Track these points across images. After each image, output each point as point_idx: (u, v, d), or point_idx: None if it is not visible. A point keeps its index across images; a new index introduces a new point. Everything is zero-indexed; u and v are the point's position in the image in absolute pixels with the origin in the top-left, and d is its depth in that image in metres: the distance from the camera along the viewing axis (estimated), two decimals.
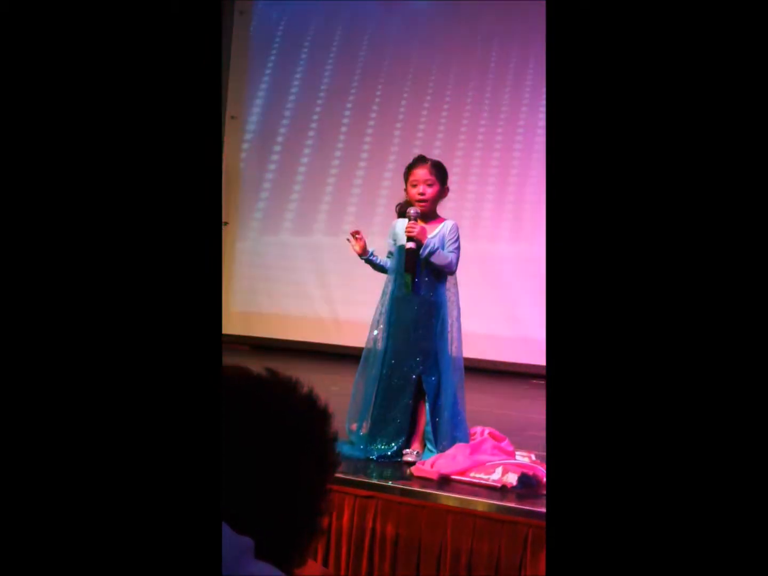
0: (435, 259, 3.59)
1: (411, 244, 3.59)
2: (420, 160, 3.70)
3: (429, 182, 3.63)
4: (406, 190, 3.70)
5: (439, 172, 3.67)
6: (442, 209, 3.76)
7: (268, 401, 1.07)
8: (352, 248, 3.74)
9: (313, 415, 1.10)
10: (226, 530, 0.96)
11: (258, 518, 1.01)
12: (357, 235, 3.73)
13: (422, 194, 3.63)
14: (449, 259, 3.61)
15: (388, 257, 3.78)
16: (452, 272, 3.67)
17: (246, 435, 1.04)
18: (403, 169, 3.75)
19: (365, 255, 3.74)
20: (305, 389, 1.11)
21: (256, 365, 1.12)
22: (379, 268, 3.78)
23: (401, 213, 3.74)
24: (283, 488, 1.04)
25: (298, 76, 7.73)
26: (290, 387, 1.10)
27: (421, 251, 3.59)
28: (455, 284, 3.70)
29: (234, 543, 0.96)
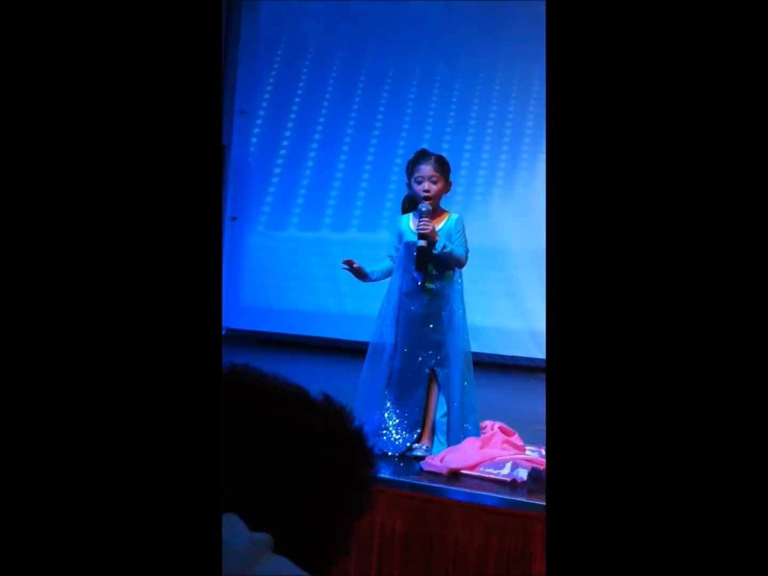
0: (450, 258, 3.60)
1: (423, 242, 3.55)
2: (423, 155, 3.64)
3: (433, 179, 3.58)
4: (408, 184, 3.66)
5: (443, 168, 3.62)
6: (450, 203, 3.74)
7: (317, 429, 1.05)
8: (356, 277, 3.70)
9: (357, 457, 1.08)
10: (242, 528, 0.96)
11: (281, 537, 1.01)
12: (353, 266, 3.66)
13: (427, 191, 3.58)
14: (463, 256, 3.62)
15: (389, 256, 3.75)
16: (462, 266, 3.66)
17: (286, 456, 1.03)
18: None
19: (367, 279, 3.72)
20: (355, 423, 1.09)
21: (265, 361, 1.11)
22: (386, 275, 3.75)
23: (408, 208, 3.72)
24: (304, 514, 1.03)
25: (306, 70, 7.71)
26: (342, 419, 1.08)
27: (437, 249, 3.55)
28: (461, 275, 3.70)
29: (251, 539, 0.96)
